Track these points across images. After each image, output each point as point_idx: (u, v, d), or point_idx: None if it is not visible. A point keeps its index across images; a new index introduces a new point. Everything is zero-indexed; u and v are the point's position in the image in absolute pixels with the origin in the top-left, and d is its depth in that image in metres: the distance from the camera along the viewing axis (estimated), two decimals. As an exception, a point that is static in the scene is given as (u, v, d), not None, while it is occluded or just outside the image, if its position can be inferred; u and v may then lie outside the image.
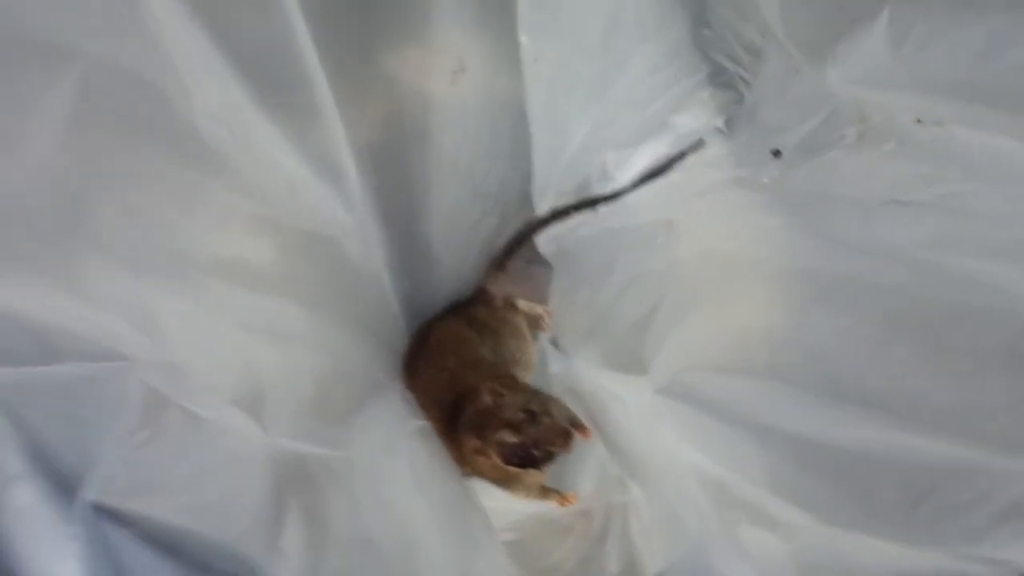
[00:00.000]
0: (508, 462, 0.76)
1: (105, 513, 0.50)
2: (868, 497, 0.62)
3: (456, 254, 0.96)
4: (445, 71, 0.84)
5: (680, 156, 0.97)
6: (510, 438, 0.75)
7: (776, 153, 0.90)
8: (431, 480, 0.77)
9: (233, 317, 0.68)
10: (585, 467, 0.85)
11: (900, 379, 0.65)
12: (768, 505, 0.67)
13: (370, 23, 0.76)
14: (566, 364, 0.86)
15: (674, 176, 0.96)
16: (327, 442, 0.69)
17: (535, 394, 0.80)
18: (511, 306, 0.97)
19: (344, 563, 0.63)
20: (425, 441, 0.79)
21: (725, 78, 0.99)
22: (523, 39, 0.82)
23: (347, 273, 0.82)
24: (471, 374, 0.84)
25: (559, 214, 0.97)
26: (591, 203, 0.98)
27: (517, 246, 0.98)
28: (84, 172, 0.57)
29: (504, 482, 0.82)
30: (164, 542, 0.51)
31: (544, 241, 0.99)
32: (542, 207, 0.98)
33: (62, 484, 0.50)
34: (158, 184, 0.62)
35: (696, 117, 0.99)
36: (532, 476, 0.81)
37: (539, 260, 1.01)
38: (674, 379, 0.75)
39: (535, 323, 0.98)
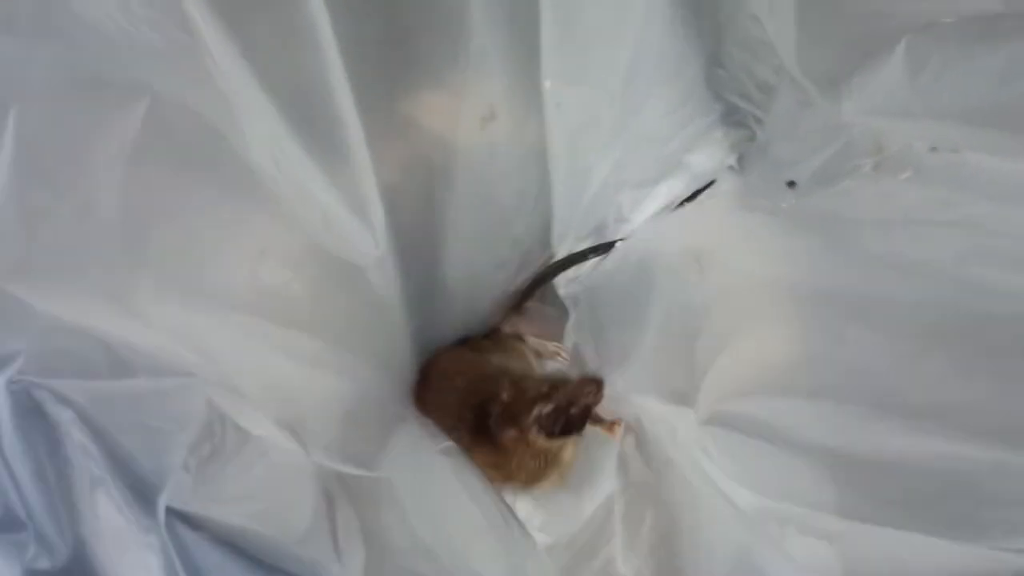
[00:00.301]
0: (552, 433, 0.77)
1: (179, 516, 0.51)
2: (911, 499, 0.63)
3: (472, 294, 0.97)
4: (476, 117, 0.85)
5: (693, 196, 0.98)
6: (546, 408, 0.76)
7: (791, 184, 0.91)
8: (469, 493, 0.77)
9: (270, 344, 0.69)
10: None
11: (939, 388, 0.66)
12: (815, 519, 0.68)
13: (406, 67, 0.78)
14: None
15: (692, 210, 0.97)
16: (363, 464, 0.71)
17: (549, 375, 0.81)
18: (517, 336, 0.98)
19: (407, 569, 0.64)
20: (455, 459, 0.80)
21: (738, 117, 1.00)
22: (546, 84, 0.83)
23: (369, 305, 0.83)
24: (483, 386, 0.85)
25: (576, 258, 0.99)
26: (607, 247, 0.99)
27: (534, 290, 0.99)
28: (147, 200, 0.59)
29: (545, 471, 0.82)
30: (233, 544, 0.52)
31: (563, 283, 1.00)
32: (561, 250, 0.99)
33: (140, 489, 0.51)
34: (211, 214, 0.64)
35: (710, 156, 1.01)
36: (570, 451, 0.82)
37: (552, 301, 1.02)
38: (719, 408, 0.76)
39: (544, 357, 0.99)
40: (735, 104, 0.99)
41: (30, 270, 0.55)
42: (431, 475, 0.76)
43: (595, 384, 0.77)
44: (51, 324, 0.56)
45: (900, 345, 0.70)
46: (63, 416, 0.53)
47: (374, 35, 0.73)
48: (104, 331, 0.57)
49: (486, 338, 0.98)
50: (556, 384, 0.78)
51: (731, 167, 1.01)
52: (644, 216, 1.00)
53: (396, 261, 0.83)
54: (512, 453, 0.81)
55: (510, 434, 0.79)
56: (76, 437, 0.53)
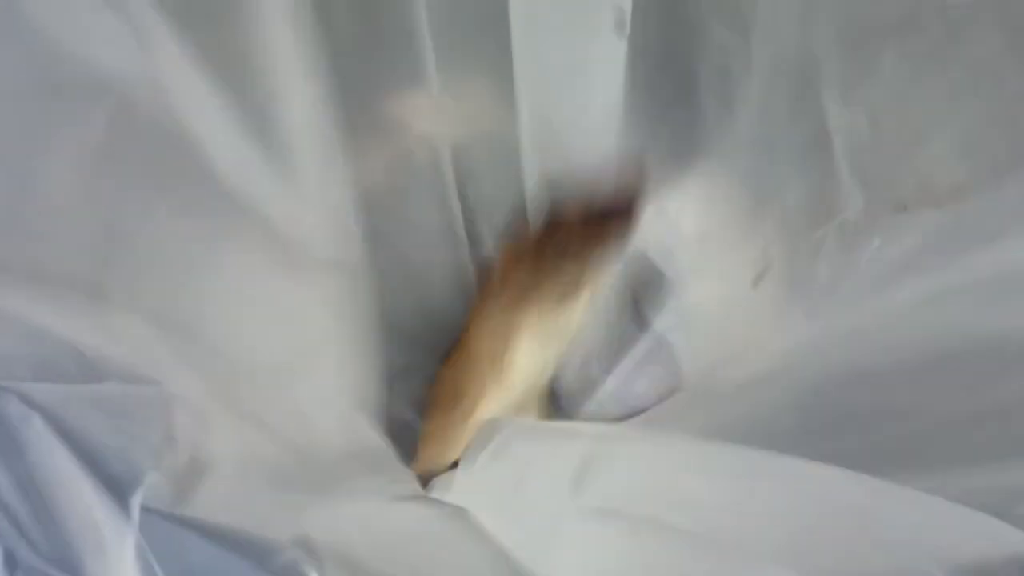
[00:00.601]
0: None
1: (155, 514, 0.50)
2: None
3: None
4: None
5: None
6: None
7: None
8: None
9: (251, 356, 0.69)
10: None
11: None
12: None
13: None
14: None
15: None
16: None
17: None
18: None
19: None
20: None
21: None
22: None
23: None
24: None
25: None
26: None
27: None
28: (114, 202, 0.59)
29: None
30: (214, 541, 0.51)
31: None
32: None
33: (114, 489, 0.50)
34: (182, 224, 0.64)
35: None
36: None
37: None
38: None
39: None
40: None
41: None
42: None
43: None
44: (17, 327, 0.55)
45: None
46: (31, 419, 0.52)
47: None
48: (70, 335, 0.56)
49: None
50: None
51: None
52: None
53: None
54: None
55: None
56: (44, 439, 0.51)
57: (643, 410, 0.89)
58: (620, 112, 0.82)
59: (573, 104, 0.82)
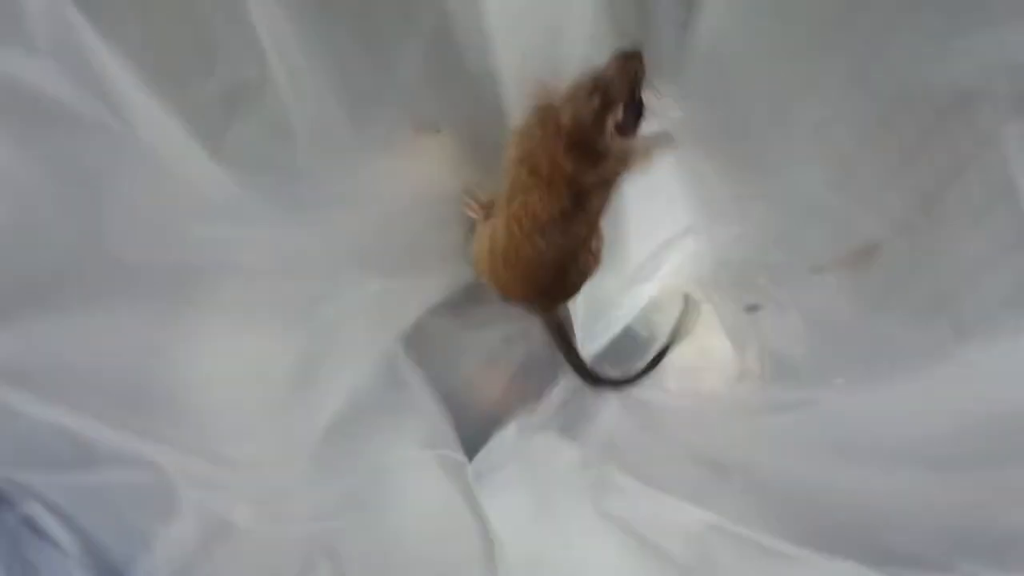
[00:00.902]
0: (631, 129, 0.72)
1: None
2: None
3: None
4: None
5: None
6: (617, 112, 0.71)
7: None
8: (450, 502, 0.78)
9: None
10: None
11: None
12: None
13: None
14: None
15: None
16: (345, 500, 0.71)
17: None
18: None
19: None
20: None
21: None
22: None
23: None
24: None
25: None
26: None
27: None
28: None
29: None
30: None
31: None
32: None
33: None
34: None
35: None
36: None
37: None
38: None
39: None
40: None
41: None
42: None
43: (635, 57, 0.70)
44: (10, 418, 0.55)
45: None
46: (33, 509, 0.53)
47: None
48: (67, 423, 0.57)
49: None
50: (597, 82, 0.71)
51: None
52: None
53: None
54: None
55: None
56: (47, 528, 0.52)
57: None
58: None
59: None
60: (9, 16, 0.51)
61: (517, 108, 0.76)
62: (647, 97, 0.71)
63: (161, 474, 0.58)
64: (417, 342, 0.88)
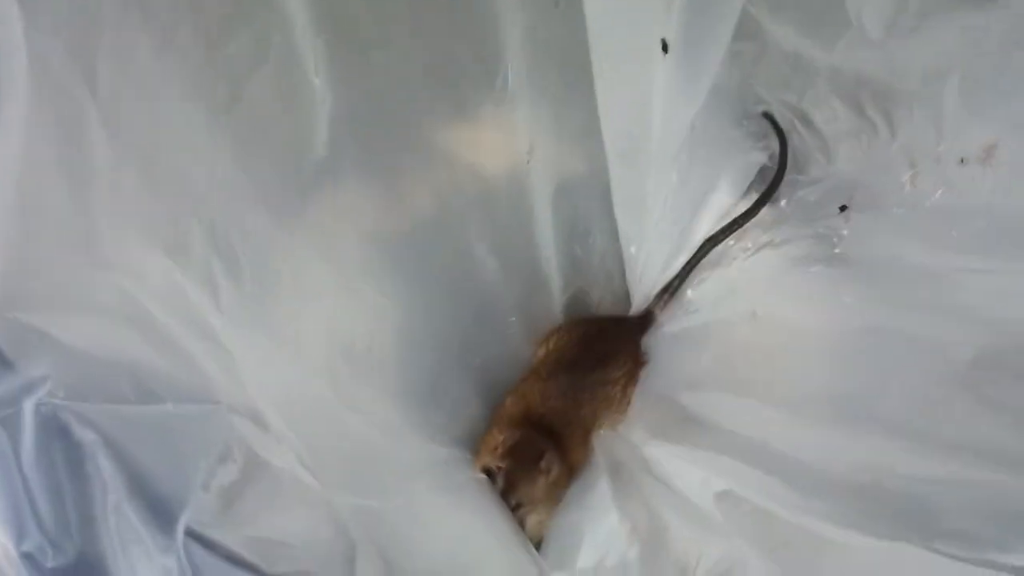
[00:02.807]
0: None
1: (197, 539, 0.52)
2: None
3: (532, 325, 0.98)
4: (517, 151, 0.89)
5: (751, 212, 0.97)
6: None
7: (842, 209, 0.92)
8: (486, 524, 0.78)
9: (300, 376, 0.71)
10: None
11: (968, 424, 0.65)
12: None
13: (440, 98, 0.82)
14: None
15: (752, 260, 0.96)
16: (382, 494, 0.71)
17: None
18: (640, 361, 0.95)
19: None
20: (477, 492, 0.80)
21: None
22: (605, 137, 0.87)
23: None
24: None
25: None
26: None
27: (689, 272, 0.97)
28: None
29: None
30: (251, 568, 0.52)
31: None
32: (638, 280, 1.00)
33: (159, 510, 0.53)
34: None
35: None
36: None
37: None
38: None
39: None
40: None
41: (51, 303, 0.58)
42: (452, 506, 0.76)
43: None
44: (78, 353, 0.58)
45: (939, 390, 0.69)
46: (87, 437, 0.55)
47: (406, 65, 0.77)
48: (133, 360, 0.59)
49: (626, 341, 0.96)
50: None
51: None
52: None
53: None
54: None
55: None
56: (99, 458, 0.54)
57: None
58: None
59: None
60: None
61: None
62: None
63: (218, 412, 0.61)
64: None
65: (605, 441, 0.87)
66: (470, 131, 0.87)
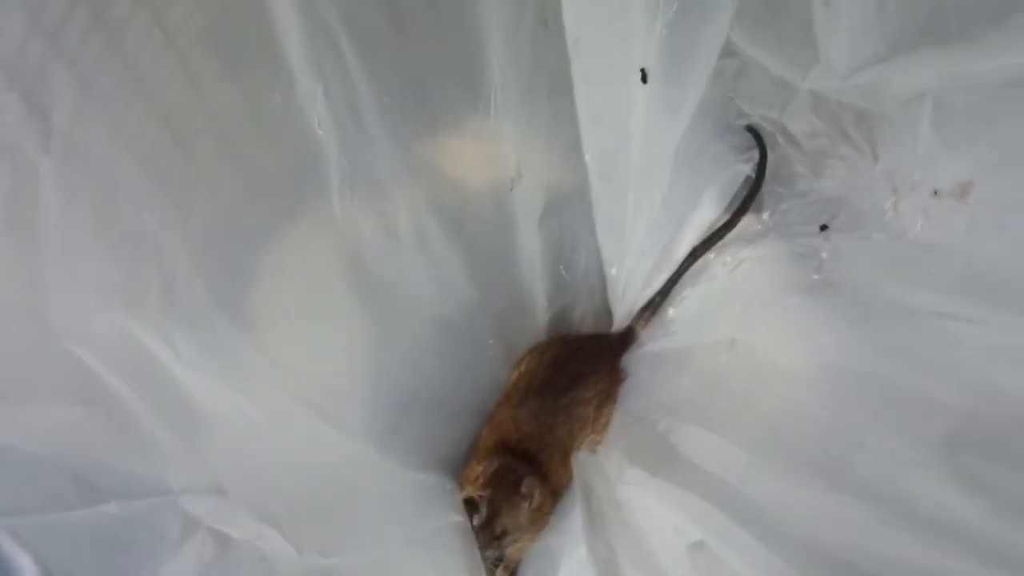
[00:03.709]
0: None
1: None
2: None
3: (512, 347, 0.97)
4: (502, 175, 0.88)
5: (731, 223, 0.95)
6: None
7: (823, 228, 0.90)
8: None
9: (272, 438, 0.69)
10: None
11: (948, 504, 0.63)
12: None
13: (424, 109, 0.80)
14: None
15: (734, 279, 0.95)
16: (357, 551, 0.69)
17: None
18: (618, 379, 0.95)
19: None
20: (452, 540, 0.79)
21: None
22: (587, 158, 0.86)
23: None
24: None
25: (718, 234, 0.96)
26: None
27: (671, 288, 0.96)
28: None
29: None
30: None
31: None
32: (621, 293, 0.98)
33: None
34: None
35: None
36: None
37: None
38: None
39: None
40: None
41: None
42: (426, 552, 0.74)
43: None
44: (16, 455, 0.55)
45: (915, 453, 0.67)
46: (21, 562, 0.51)
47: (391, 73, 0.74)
48: (76, 450, 0.56)
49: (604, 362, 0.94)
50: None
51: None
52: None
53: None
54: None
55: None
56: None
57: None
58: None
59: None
60: None
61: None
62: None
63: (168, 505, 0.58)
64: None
65: (582, 466, 0.86)
66: (453, 153, 0.85)
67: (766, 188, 0.96)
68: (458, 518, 0.76)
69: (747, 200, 0.95)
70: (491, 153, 0.86)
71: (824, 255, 0.88)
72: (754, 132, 0.94)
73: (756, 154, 0.95)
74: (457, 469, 0.89)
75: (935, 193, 0.75)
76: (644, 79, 0.76)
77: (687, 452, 0.79)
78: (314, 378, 0.75)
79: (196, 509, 0.59)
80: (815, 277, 0.87)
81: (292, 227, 0.73)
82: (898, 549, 0.60)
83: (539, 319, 0.98)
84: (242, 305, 0.69)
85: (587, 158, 0.86)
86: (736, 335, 0.87)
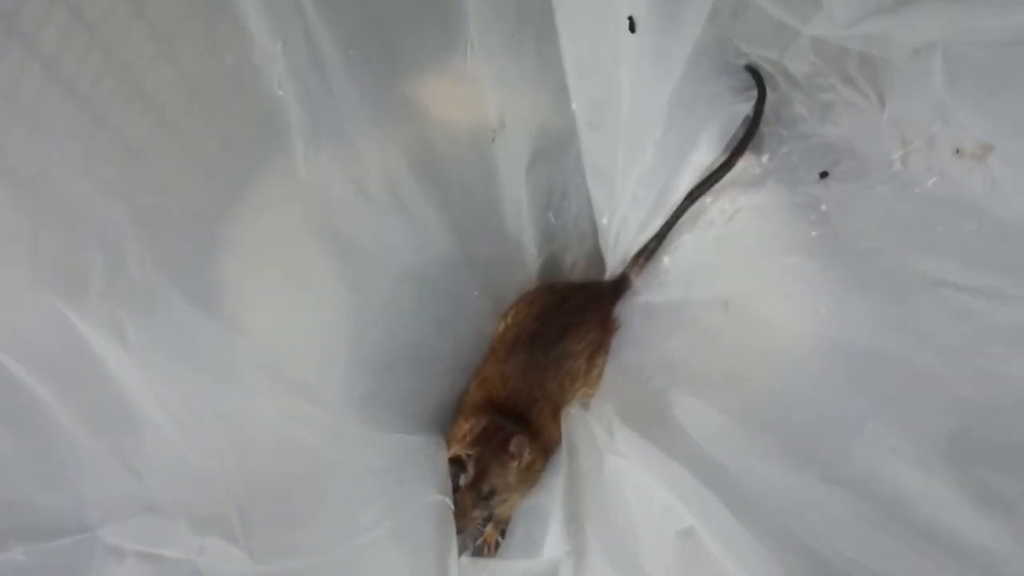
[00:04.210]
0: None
1: None
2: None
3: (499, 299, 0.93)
4: (485, 126, 0.83)
5: (728, 164, 0.90)
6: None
7: (823, 175, 0.85)
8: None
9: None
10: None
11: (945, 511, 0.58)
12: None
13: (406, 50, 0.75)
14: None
15: (731, 228, 0.90)
16: (321, 548, 0.64)
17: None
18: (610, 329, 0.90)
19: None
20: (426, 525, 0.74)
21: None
22: (574, 106, 0.81)
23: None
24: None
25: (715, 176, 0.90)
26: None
27: (666, 233, 0.91)
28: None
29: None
30: None
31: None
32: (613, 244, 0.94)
33: None
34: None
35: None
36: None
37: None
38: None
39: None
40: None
41: None
42: (399, 541, 0.70)
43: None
44: None
45: (924, 452, 0.61)
46: None
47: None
48: None
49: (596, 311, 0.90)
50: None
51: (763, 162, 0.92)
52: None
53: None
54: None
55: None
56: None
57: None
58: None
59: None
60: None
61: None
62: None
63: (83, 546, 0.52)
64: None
65: (571, 427, 0.82)
66: (427, 105, 0.80)
67: (766, 129, 0.91)
68: (436, 497, 0.72)
69: (745, 139, 0.90)
70: (471, 103, 0.81)
71: (824, 207, 0.83)
72: (753, 71, 0.89)
73: (756, 94, 0.89)
74: (444, 429, 0.85)
75: (956, 152, 0.70)
76: (632, 28, 0.70)
77: (679, 418, 0.75)
78: (287, 350, 0.71)
79: (119, 539, 0.53)
80: (813, 234, 0.82)
81: (255, 192, 0.68)
82: (891, 561, 0.56)
83: (528, 268, 0.94)
84: (203, 279, 0.65)
85: (575, 107, 0.80)
86: (731, 294, 0.83)
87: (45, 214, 0.54)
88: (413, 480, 0.73)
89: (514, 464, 0.77)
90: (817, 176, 0.85)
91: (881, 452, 0.62)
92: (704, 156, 0.90)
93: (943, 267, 0.68)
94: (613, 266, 0.93)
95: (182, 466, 0.57)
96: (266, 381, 0.67)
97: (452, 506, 0.73)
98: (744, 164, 0.91)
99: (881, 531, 0.57)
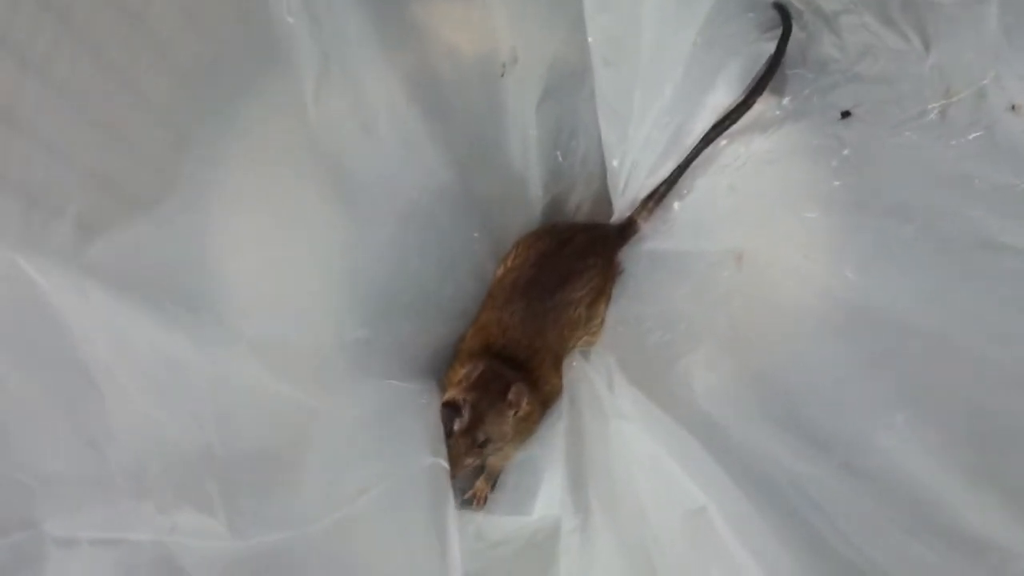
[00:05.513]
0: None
1: None
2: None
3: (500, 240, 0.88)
4: (496, 60, 0.79)
5: (745, 104, 0.83)
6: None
7: (845, 114, 0.78)
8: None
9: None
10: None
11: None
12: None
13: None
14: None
15: (745, 173, 0.83)
16: (305, 519, 0.58)
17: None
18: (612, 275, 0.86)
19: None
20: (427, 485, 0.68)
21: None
22: (591, 39, 0.75)
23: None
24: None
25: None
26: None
27: (678, 177, 0.85)
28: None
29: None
30: None
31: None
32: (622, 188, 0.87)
33: None
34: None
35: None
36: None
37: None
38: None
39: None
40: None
41: None
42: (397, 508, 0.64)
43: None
44: None
45: (962, 456, 0.55)
46: None
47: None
48: None
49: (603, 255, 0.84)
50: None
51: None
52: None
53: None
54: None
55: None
56: None
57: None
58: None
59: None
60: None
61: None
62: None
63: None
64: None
65: (573, 377, 0.77)
66: (436, 37, 0.76)
67: (790, 71, 0.83)
68: (430, 460, 0.67)
69: (764, 77, 0.82)
70: (482, 31, 0.77)
71: (846, 152, 0.76)
72: (779, 6, 0.81)
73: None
74: (437, 377, 0.81)
75: (1012, 108, 0.63)
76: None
77: (683, 377, 0.70)
78: (278, 296, 0.66)
79: (69, 530, 0.47)
80: (836, 183, 0.75)
81: (250, 127, 0.63)
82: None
83: (532, 208, 0.88)
84: (185, 217, 0.58)
85: (591, 41, 0.73)
86: (744, 248, 0.76)
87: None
88: (403, 435, 0.68)
89: (511, 413, 0.73)
90: (839, 115, 0.78)
91: (909, 446, 0.56)
92: (722, 97, 0.83)
93: (976, 224, 0.62)
94: (621, 210, 0.87)
95: (151, 432, 0.51)
96: (249, 330, 0.61)
97: (447, 466, 0.68)
98: (763, 106, 0.83)
99: (912, 536, 0.52)
